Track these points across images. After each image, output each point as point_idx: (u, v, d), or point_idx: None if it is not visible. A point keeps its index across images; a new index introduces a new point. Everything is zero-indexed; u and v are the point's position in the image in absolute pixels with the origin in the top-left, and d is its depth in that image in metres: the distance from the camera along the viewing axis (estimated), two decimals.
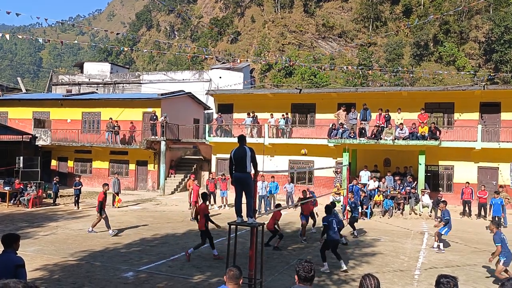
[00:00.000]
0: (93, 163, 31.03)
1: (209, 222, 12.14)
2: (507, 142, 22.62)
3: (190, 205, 21.18)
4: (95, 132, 31.05)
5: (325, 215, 11.68)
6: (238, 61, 46.78)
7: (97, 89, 46.47)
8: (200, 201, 19.78)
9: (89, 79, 49.16)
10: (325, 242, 11.33)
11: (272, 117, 26.80)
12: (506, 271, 10.09)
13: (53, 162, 31.78)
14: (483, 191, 19.85)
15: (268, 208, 20.11)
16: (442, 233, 13.40)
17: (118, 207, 21.54)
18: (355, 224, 15.83)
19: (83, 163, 31.39)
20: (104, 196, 15.01)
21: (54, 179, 22.71)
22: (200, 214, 12.21)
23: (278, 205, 14.32)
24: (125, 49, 27.75)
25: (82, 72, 52.32)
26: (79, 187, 21.40)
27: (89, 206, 21.96)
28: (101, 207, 14.72)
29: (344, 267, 10.84)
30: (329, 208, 11.84)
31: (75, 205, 21.18)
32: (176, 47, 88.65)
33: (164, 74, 47.43)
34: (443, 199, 15.87)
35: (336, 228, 11.34)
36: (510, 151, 22.42)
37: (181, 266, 11.12)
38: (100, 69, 51.10)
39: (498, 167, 23.21)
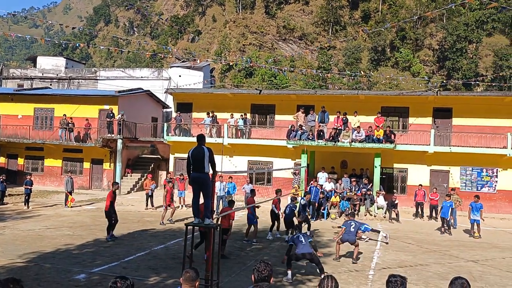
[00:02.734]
0: (45, 161, 29.90)
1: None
2: (458, 146, 23.55)
3: (148, 207, 20.81)
4: (48, 129, 29.94)
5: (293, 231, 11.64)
6: (198, 60, 46.43)
7: (50, 85, 44.85)
8: (175, 203, 19.65)
9: (43, 74, 47.38)
10: (293, 255, 10.57)
11: (231, 117, 26.71)
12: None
13: (2, 159, 30.39)
14: (434, 193, 20.55)
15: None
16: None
17: (71, 206, 20.84)
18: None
19: (34, 161, 30.17)
20: (114, 196, 14.44)
21: (1, 177, 21.65)
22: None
23: (232, 202, 14.03)
24: (81, 44, 26.82)
25: (35, 66, 50.36)
26: (29, 186, 20.54)
27: (39, 205, 21.15)
28: (111, 208, 14.09)
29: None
30: (299, 225, 11.91)
31: (25, 204, 20.31)
32: (135, 44, 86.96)
33: (122, 71, 46.39)
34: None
35: (304, 242, 10.60)
36: (461, 155, 23.35)
37: (136, 268, 10.85)
38: (54, 63, 49.33)
39: (449, 170, 24.13)
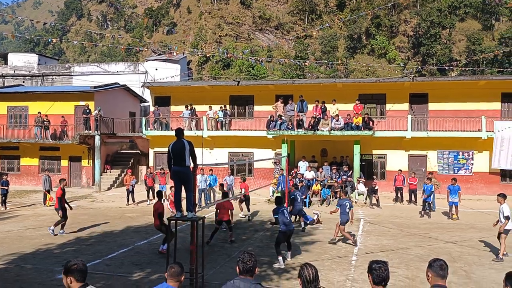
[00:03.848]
0: (21, 160, 29.30)
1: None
2: (434, 131, 23.97)
3: (130, 203, 20.66)
4: (23, 128, 29.30)
5: (275, 207, 11.67)
6: (175, 53, 45.98)
7: (23, 82, 43.82)
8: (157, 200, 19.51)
9: (14, 71, 46.22)
10: (280, 234, 10.93)
11: (210, 109, 26.60)
12: (351, 234, 12.94)
13: None
14: (413, 178, 20.92)
15: (208, 202, 20.01)
16: None
17: (50, 205, 20.47)
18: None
19: (10, 161, 29.53)
20: (63, 192, 14.29)
21: None
22: (155, 213, 11.83)
23: (226, 194, 14.39)
24: (54, 40, 26.11)
25: (6, 63, 49.12)
26: (6, 186, 20.12)
27: (17, 206, 20.76)
28: (60, 204, 14.07)
29: (289, 258, 11.10)
30: (280, 199, 11.85)
31: (2, 205, 19.90)
32: (109, 38, 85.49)
33: (97, 66, 45.61)
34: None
35: (288, 218, 11.11)
36: (437, 140, 23.80)
37: (119, 264, 10.77)
38: (26, 60, 48.16)
39: (426, 155, 24.56)
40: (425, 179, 19.28)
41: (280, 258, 10.60)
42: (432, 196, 18.11)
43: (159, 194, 12.43)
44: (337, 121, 22.59)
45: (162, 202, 12.16)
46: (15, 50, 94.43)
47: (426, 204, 17.93)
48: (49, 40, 26.73)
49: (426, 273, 4.25)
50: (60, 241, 13.32)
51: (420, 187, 19.74)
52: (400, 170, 21.91)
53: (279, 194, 17.07)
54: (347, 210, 12.48)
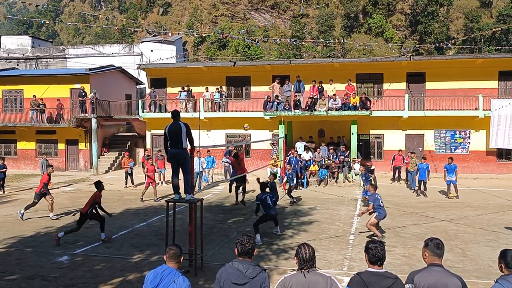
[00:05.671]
0: (18, 144, 29.23)
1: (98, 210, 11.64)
2: (431, 110, 23.96)
3: (128, 185, 20.68)
4: (19, 111, 29.14)
5: (259, 192, 11.91)
6: (170, 33, 45.51)
7: (17, 65, 43.39)
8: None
9: (8, 54, 45.73)
10: (262, 216, 11.44)
11: (207, 91, 26.47)
12: (377, 225, 11.34)
13: None
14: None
15: (207, 183, 20.08)
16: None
17: (48, 189, 20.48)
18: (292, 193, 16.65)
19: (6, 145, 29.46)
20: (49, 178, 14.80)
21: None
22: (90, 200, 11.49)
23: (236, 154, 15.98)
24: (47, 21, 25.76)
25: None
26: (3, 170, 20.09)
27: (15, 190, 20.77)
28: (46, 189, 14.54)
29: (279, 232, 11.67)
30: (264, 185, 12.03)
31: (0, 189, 19.92)
32: (103, 19, 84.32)
33: (92, 48, 45.15)
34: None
35: (271, 204, 11.48)
36: (434, 119, 23.81)
37: (119, 247, 10.85)
38: (19, 43, 47.56)
39: (423, 134, 24.59)
40: (420, 159, 19.32)
41: (258, 235, 10.95)
42: (426, 175, 18.11)
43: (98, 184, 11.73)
44: (334, 101, 22.53)
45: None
46: (8, 33, 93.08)
47: (422, 183, 18.05)
48: (42, 22, 26.38)
49: (422, 252, 4.30)
50: (59, 224, 13.39)
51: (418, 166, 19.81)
52: (400, 150, 21.97)
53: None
54: (381, 203, 11.23)
